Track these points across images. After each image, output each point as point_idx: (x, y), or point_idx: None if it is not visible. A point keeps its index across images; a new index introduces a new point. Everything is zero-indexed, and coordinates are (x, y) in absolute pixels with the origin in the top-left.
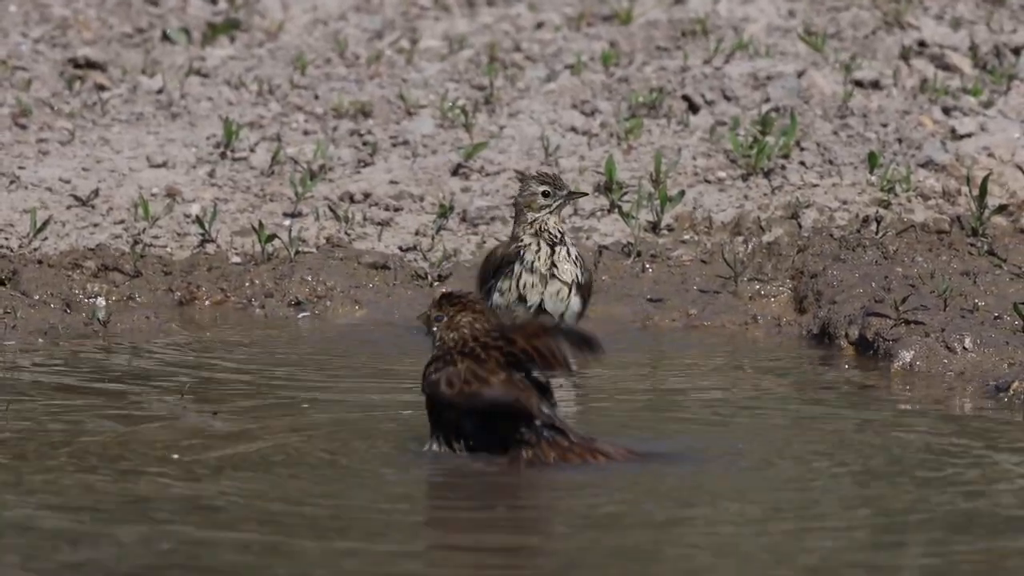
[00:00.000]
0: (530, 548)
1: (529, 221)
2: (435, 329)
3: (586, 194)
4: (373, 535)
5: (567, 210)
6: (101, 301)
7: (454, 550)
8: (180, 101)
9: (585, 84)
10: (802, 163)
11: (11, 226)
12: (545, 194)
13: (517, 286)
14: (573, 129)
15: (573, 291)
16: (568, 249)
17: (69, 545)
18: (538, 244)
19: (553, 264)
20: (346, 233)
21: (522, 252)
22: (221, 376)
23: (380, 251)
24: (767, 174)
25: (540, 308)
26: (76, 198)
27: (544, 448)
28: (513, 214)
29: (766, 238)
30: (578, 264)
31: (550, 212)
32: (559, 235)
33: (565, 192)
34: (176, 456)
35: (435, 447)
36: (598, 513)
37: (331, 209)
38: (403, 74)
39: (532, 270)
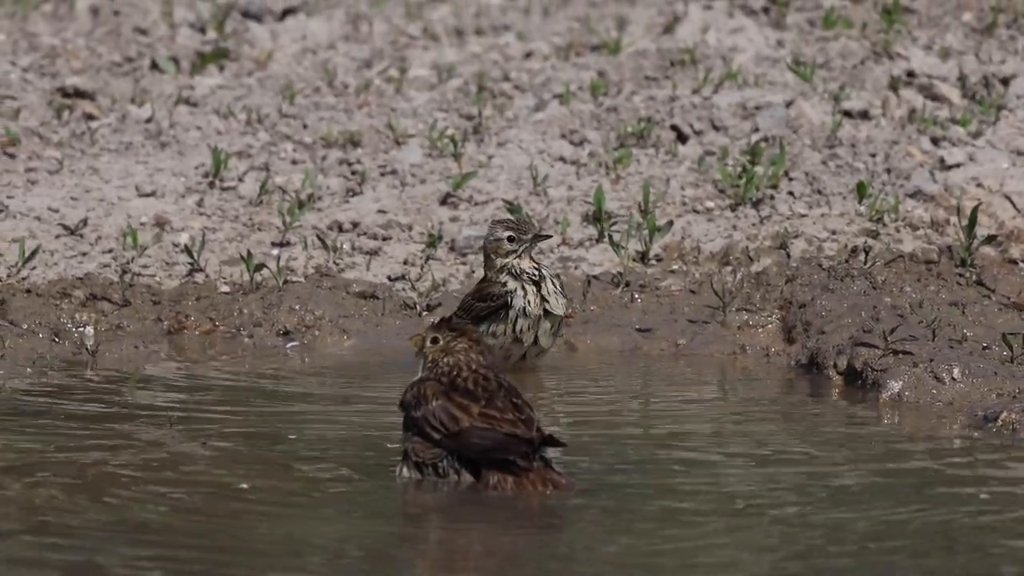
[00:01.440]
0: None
1: (498, 268)
2: (426, 351)
3: (551, 235)
4: (352, 564)
5: (555, 239)
6: (89, 330)
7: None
8: (169, 130)
9: (574, 114)
10: (791, 193)
11: (0, 255)
12: (510, 239)
13: (513, 330)
14: (562, 159)
15: (561, 322)
16: (551, 281)
17: (51, 571)
18: (523, 287)
19: (544, 300)
20: (334, 263)
21: (511, 299)
22: (209, 405)
23: (368, 280)
24: (756, 204)
25: (535, 343)
26: (65, 227)
27: (510, 476)
28: (483, 258)
29: (754, 268)
30: (563, 291)
31: (517, 256)
32: (537, 272)
33: (530, 235)
34: (163, 485)
35: (406, 472)
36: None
37: (319, 239)
38: (392, 103)
39: (527, 315)
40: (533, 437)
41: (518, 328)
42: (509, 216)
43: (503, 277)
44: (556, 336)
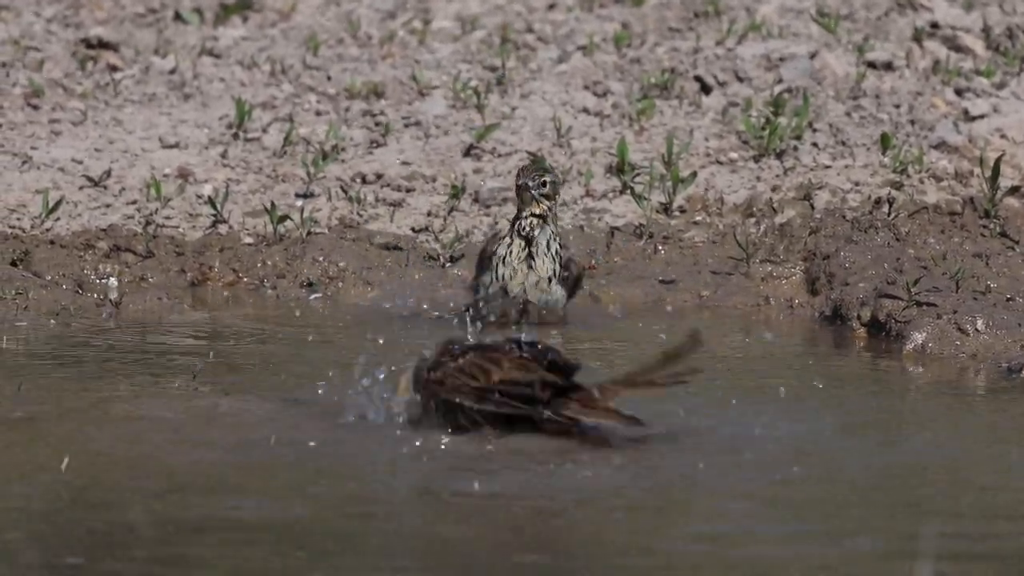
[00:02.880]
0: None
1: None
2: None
3: (530, 184)
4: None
5: (578, 191)
6: (113, 282)
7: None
8: (192, 82)
9: (597, 65)
10: (814, 144)
11: (23, 207)
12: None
13: (496, 278)
14: (585, 110)
15: (554, 282)
16: (548, 243)
17: (81, 522)
18: (511, 237)
19: (531, 256)
20: (358, 214)
21: (496, 248)
22: (233, 357)
23: (392, 232)
24: (779, 155)
25: (524, 295)
26: (88, 179)
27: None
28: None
29: (778, 220)
30: (558, 259)
31: (529, 204)
32: (530, 230)
33: (521, 182)
34: (188, 436)
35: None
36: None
37: (343, 190)
38: (415, 55)
39: (505, 264)
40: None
41: (500, 276)
42: (531, 162)
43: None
44: (554, 294)
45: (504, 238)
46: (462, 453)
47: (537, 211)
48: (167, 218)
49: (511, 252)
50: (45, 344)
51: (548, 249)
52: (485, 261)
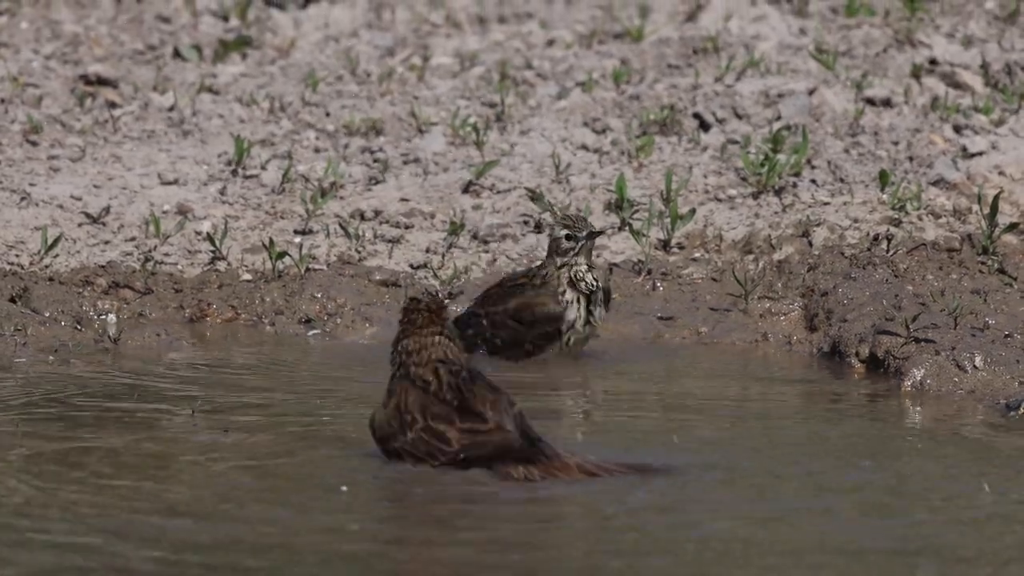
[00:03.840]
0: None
1: (558, 265)
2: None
3: (604, 231)
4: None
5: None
6: (112, 318)
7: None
8: (191, 118)
9: (596, 102)
10: (813, 181)
11: (22, 243)
12: (568, 237)
13: (565, 345)
14: (584, 147)
15: (602, 312)
16: (597, 285)
17: (77, 558)
18: (578, 300)
19: (590, 313)
20: (357, 251)
21: (564, 311)
22: (232, 393)
23: (391, 268)
24: (778, 192)
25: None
26: (87, 215)
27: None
28: (547, 247)
29: (777, 256)
30: (606, 295)
31: (576, 254)
32: (595, 284)
33: (585, 232)
34: (186, 473)
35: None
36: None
37: (342, 227)
38: (414, 91)
39: (575, 328)
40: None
41: (568, 342)
42: (569, 214)
43: (562, 287)
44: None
45: (564, 295)
46: None
47: (587, 262)
48: (166, 255)
49: (580, 316)
50: (43, 380)
51: (599, 292)
52: (543, 322)
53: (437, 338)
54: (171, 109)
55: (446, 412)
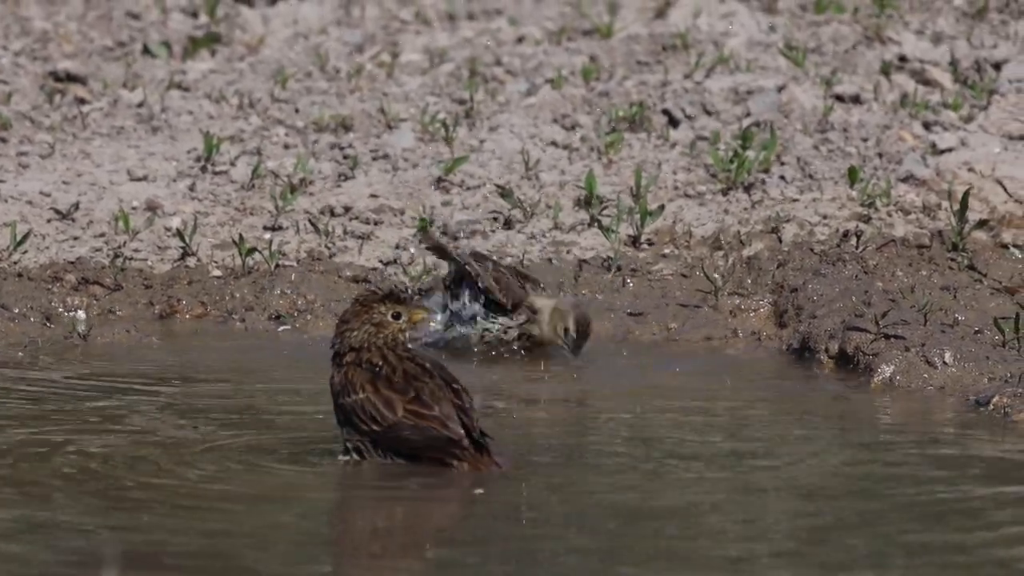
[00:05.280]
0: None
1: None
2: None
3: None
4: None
5: (546, 224)
6: (81, 314)
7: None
8: (161, 115)
9: (566, 98)
10: (782, 178)
11: None
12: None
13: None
14: (554, 143)
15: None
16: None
17: (45, 556)
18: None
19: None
20: (326, 247)
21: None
22: (201, 389)
23: (360, 265)
24: (747, 188)
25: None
26: (56, 211)
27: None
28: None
29: (746, 252)
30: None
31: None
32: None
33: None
34: (155, 470)
35: (353, 456)
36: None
37: (311, 223)
38: (384, 88)
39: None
40: (461, 437)
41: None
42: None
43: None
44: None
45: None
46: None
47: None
48: (135, 251)
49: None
50: (10, 377)
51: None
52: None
53: (392, 323)
54: (140, 105)
55: (400, 386)
